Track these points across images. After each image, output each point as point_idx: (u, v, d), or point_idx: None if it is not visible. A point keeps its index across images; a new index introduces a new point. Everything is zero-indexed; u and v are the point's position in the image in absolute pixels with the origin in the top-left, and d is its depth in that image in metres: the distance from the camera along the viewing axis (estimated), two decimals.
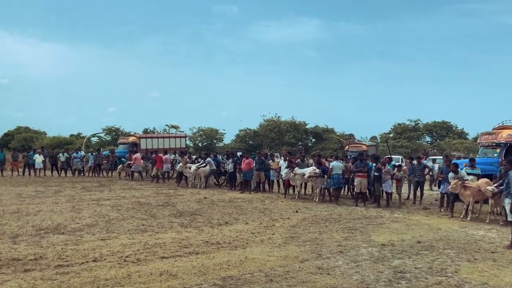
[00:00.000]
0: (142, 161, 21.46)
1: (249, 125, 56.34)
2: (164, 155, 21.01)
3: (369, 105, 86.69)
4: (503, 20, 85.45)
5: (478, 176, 12.14)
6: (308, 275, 5.80)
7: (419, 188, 14.22)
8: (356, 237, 8.33)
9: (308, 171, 14.33)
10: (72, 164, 23.64)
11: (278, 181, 16.73)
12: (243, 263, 6.35)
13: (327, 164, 15.37)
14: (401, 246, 7.60)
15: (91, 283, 5.30)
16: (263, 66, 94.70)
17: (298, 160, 15.89)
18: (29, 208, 11.26)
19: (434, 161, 21.79)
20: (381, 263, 6.48)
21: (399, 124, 55.62)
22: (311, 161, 16.82)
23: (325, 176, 14.04)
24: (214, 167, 18.53)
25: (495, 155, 13.89)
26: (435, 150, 42.24)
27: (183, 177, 19.00)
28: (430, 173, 17.06)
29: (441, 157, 22.03)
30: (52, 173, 23.88)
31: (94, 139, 48.28)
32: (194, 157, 21.96)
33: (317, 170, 14.09)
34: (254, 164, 16.44)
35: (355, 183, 13.40)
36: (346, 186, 15.40)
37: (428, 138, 57.24)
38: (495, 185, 10.39)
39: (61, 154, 24.06)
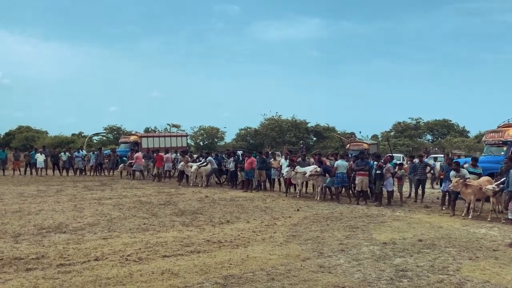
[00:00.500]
0: (143, 160, 21.47)
1: (250, 124, 56.42)
2: (165, 154, 21.04)
3: (370, 103, 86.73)
4: (504, 18, 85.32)
5: (480, 176, 12.12)
6: (309, 273, 5.80)
7: (420, 187, 14.22)
8: (357, 236, 8.33)
9: (309, 169, 14.33)
10: (73, 163, 23.69)
11: (279, 179, 16.74)
12: (244, 261, 6.36)
13: (327, 163, 15.38)
14: (403, 245, 7.60)
15: (93, 282, 5.31)
16: (264, 65, 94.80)
17: (299, 159, 15.90)
18: (31, 207, 11.28)
19: (435, 159, 21.80)
20: (383, 261, 6.47)
21: (400, 122, 55.58)
22: (312, 160, 16.81)
23: (326, 174, 14.04)
24: (216, 166, 18.54)
25: (502, 153, 13.82)
26: (436, 149, 42.19)
27: (185, 176, 19.02)
28: (432, 171, 17.06)
29: (442, 156, 22.03)
30: (53, 172, 23.93)
31: (96, 138, 48.32)
32: (195, 156, 21.98)
33: (318, 169, 14.09)
34: (255, 163, 16.45)
35: (356, 182, 13.39)
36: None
37: (429, 137, 57.19)
38: (496, 183, 10.37)
39: (62, 153, 24.09)
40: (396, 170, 13.76)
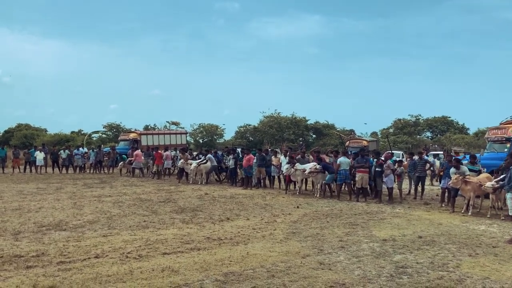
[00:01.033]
0: (143, 157, 21.46)
1: (250, 121, 56.40)
2: (164, 152, 21.03)
3: (369, 100, 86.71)
4: (504, 15, 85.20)
5: (479, 172, 12.14)
6: (309, 270, 5.81)
7: (420, 183, 14.23)
8: (357, 233, 8.34)
9: (309, 166, 14.34)
10: (73, 161, 23.68)
11: (279, 177, 16.74)
12: (244, 258, 6.36)
13: (327, 160, 15.38)
14: (403, 241, 7.60)
15: (93, 280, 5.31)
16: (264, 63, 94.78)
17: (299, 156, 15.90)
18: (30, 205, 11.28)
19: (435, 156, 21.79)
20: (383, 258, 6.48)
21: (399, 119, 55.57)
22: (311, 157, 16.82)
23: (326, 171, 14.04)
24: (215, 164, 18.54)
25: (505, 150, 13.83)
26: (436, 146, 42.22)
27: (184, 173, 19.02)
28: (431, 168, 17.07)
29: (442, 152, 22.03)
30: (53, 170, 23.90)
31: (96, 136, 48.30)
32: (195, 153, 21.97)
33: (318, 166, 14.09)
34: (254, 160, 16.45)
35: (356, 179, 13.38)
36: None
37: (428, 134, 57.20)
38: (495, 180, 10.38)
39: (62, 151, 24.08)
40: (395, 167, 13.76)
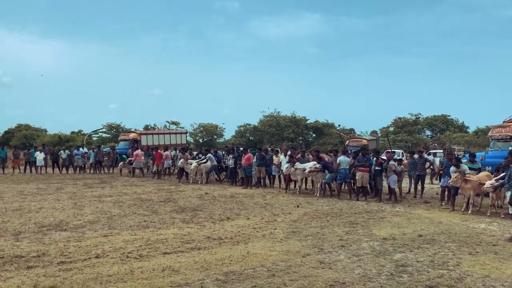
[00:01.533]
0: (143, 157, 21.47)
1: (250, 120, 56.43)
2: (164, 152, 21.04)
3: (369, 99, 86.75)
4: (504, 14, 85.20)
5: (479, 171, 12.14)
6: (310, 269, 5.82)
7: (419, 182, 14.23)
8: (357, 231, 8.35)
9: (308, 165, 14.34)
10: (73, 161, 23.69)
11: (279, 176, 16.75)
12: (245, 258, 6.37)
13: (326, 159, 15.39)
14: (403, 240, 7.61)
15: (93, 280, 5.32)
16: (264, 62, 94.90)
17: (299, 155, 15.90)
18: (31, 206, 11.28)
19: (435, 154, 21.81)
20: (383, 257, 6.49)
21: (399, 118, 55.58)
22: (311, 156, 16.82)
23: (326, 171, 14.05)
24: (215, 163, 18.54)
25: (510, 148, 13.81)
26: (435, 144, 42.22)
27: (184, 173, 19.02)
28: (431, 167, 17.07)
29: (441, 151, 22.04)
30: (53, 170, 23.91)
31: (96, 136, 48.30)
32: (195, 153, 21.97)
33: (318, 165, 14.09)
34: (254, 160, 16.45)
35: (356, 178, 13.38)
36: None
37: (428, 132, 57.21)
38: (495, 178, 10.39)
39: (62, 151, 24.08)
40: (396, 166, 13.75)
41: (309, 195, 14.51)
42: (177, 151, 21.77)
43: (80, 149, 25.08)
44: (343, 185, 14.26)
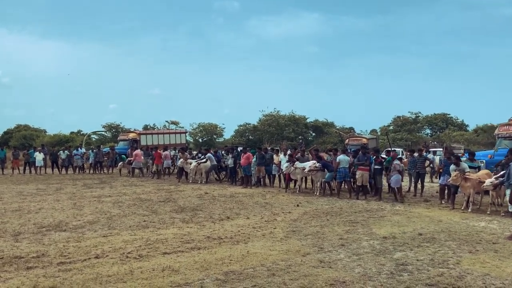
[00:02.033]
0: (142, 157, 21.45)
1: (250, 120, 56.45)
2: (164, 151, 21.02)
3: (369, 98, 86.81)
4: (503, 12, 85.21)
5: (478, 169, 12.14)
6: (310, 268, 5.81)
7: (419, 181, 14.23)
8: (357, 230, 8.34)
9: (308, 165, 14.33)
10: (72, 161, 23.67)
11: (279, 175, 16.74)
12: (245, 257, 6.36)
13: (325, 158, 15.37)
14: (403, 239, 7.61)
15: (93, 280, 5.31)
16: (264, 61, 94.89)
17: (298, 155, 15.90)
18: (30, 206, 11.27)
19: (435, 153, 21.80)
20: (383, 255, 6.49)
21: (399, 116, 55.57)
22: (311, 155, 16.81)
23: (325, 170, 14.04)
24: (215, 163, 18.53)
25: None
26: (435, 143, 42.22)
27: (184, 172, 19.01)
28: (431, 165, 17.05)
29: (441, 149, 22.04)
30: (52, 170, 23.90)
31: (95, 136, 48.27)
32: (194, 152, 21.96)
33: (317, 164, 14.08)
34: (254, 159, 16.44)
35: (356, 176, 13.37)
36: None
37: (428, 131, 57.21)
38: (495, 176, 10.38)
39: (61, 151, 24.06)
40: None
41: (309, 194, 14.50)
42: (177, 151, 21.76)
43: (80, 149, 25.06)
44: (343, 184, 14.25)
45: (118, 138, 34.04)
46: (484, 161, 14.30)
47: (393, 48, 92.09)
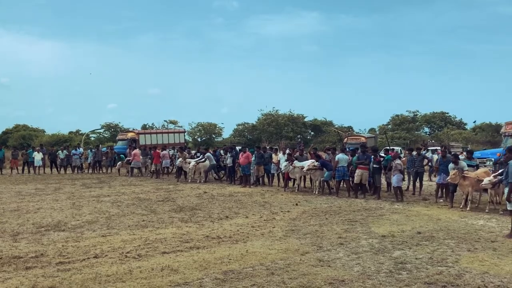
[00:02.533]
0: (141, 157, 21.43)
1: (248, 119, 56.46)
2: (162, 151, 21.01)
3: (367, 97, 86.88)
4: (501, 10, 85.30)
5: (476, 167, 12.15)
6: (309, 267, 5.81)
7: (418, 179, 14.24)
8: (356, 229, 8.35)
9: (307, 164, 14.34)
10: (71, 161, 23.64)
11: (278, 174, 16.74)
12: (244, 257, 6.36)
13: (324, 157, 15.38)
14: (402, 237, 7.62)
15: (92, 280, 5.30)
16: (262, 60, 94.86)
17: (297, 154, 15.90)
18: (29, 206, 11.25)
19: (433, 151, 21.80)
20: (382, 254, 6.49)
21: (397, 115, 55.64)
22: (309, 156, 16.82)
23: (324, 168, 14.04)
24: (214, 162, 18.53)
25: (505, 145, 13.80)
26: (433, 141, 42.27)
27: (183, 172, 19.00)
28: (429, 164, 17.07)
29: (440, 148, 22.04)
30: (51, 170, 23.87)
31: (94, 136, 48.19)
32: (193, 152, 21.94)
33: (316, 163, 14.09)
34: (253, 158, 16.44)
35: (355, 175, 13.36)
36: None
37: (426, 129, 57.30)
38: (493, 174, 10.40)
39: (60, 151, 24.03)
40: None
41: (307, 193, 14.51)
42: (176, 150, 21.75)
43: (78, 149, 25.03)
44: (341, 183, 14.25)
45: (117, 138, 34.00)
46: (492, 159, 14.28)
47: (391, 47, 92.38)
